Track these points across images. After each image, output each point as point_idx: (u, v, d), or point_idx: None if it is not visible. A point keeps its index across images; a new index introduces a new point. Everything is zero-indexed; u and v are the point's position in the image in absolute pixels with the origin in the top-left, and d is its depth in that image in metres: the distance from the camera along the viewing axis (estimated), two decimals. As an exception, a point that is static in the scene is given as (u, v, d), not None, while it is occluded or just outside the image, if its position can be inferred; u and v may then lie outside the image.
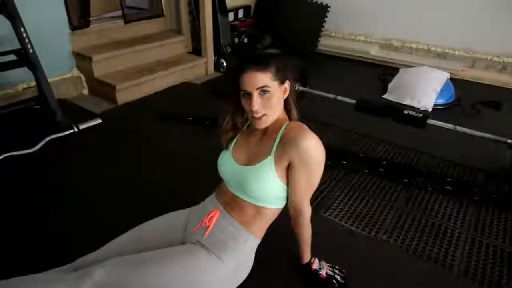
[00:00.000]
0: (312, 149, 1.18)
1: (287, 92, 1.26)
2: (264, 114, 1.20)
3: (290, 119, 1.30)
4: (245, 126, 1.37)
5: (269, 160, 1.21)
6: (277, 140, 1.22)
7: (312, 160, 1.19)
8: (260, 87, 1.16)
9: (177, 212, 1.43)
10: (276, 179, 1.22)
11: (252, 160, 1.26)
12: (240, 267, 1.29)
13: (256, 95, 1.17)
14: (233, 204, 1.30)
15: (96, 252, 1.30)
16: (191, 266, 1.20)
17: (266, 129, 1.28)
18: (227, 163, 1.32)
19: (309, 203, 1.28)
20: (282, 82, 1.22)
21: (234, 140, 1.36)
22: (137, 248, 1.27)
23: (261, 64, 1.17)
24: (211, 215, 1.31)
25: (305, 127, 1.22)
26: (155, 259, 1.20)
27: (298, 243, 1.36)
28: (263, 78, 1.16)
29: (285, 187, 1.25)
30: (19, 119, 2.61)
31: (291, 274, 1.44)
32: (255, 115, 1.20)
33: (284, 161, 1.20)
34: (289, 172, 1.22)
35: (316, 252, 1.42)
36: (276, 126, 1.26)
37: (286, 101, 1.29)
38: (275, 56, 1.24)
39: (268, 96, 1.18)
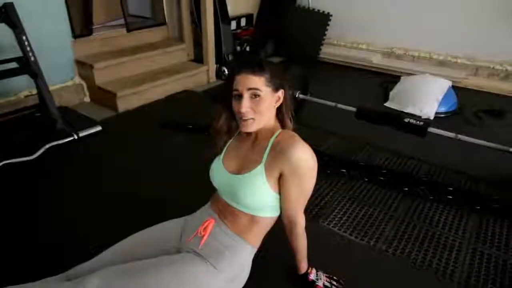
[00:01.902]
0: (304, 161, 1.16)
1: (280, 101, 1.26)
2: (251, 118, 1.19)
3: (283, 128, 1.29)
4: (236, 134, 1.36)
5: (260, 169, 1.20)
6: (268, 148, 1.21)
7: (303, 171, 1.17)
8: (251, 88, 1.16)
9: (173, 221, 1.42)
10: (267, 188, 1.20)
11: (242, 168, 1.25)
12: (236, 276, 1.28)
13: (246, 96, 1.17)
14: (227, 213, 1.29)
15: (91, 261, 1.28)
16: (187, 275, 1.18)
17: (256, 136, 1.28)
18: (218, 172, 1.31)
19: (303, 213, 1.26)
20: (275, 90, 1.22)
21: (225, 148, 1.35)
22: (132, 257, 1.25)
23: (256, 67, 1.18)
24: (205, 224, 1.29)
25: (297, 137, 1.21)
26: (150, 268, 1.18)
27: (293, 253, 1.34)
28: (256, 81, 1.17)
29: (277, 196, 1.23)
30: (20, 126, 2.63)
31: (288, 284, 1.42)
32: (243, 117, 1.19)
33: (275, 171, 1.19)
34: (280, 183, 1.20)
35: (313, 261, 1.40)
36: (267, 133, 1.25)
37: (279, 110, 1.28)
38: (273, 64, 1.26)
39: (258, 100, 1.18)
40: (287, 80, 1.28)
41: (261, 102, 1.18)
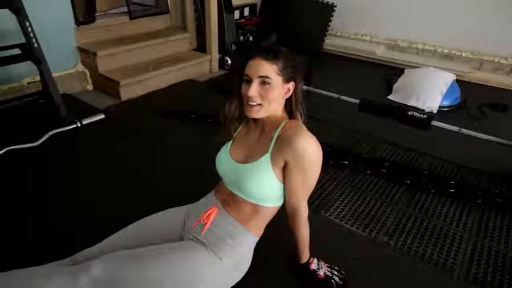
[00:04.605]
0: (308, 151, 1.16)
1: (290, 93, 1.24)
2: (258, 104, 1.19)
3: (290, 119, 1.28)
4: (243, 124, 1.36)
5: (266, 159, 1.20)
6: (274, 138, 1.21)
7: (308, 161, 1.17)
8: (261, 76, 1.16)
9: (176, 209, 1.43)
10: (273, 178, 1.21)
11: (249, 158, 1.25)
12: (238, 264, 1.29)
13: (256, 82, 1.17)
14: (230, 202, 1.30)
15: (94, 247, 1.30)
16: (189, 263, 1.19)
17: (264, 127, 1.28)
18: (225, 161, 1.32)
19: (306, 203, 1.27)
20: (286, 81, 1.20)
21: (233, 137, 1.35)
22: (135, 244, 1.27)
23: (270, 55, 1.17)
24: (209, 212, 1.31)
25: (303, 127, 1.20)
26: (153, 255, 1.19)
27: (296, 242, 1.35)
28: (268, 69, 1.16)
29: (282, 186, 1.24)
30: (23, 113, 2.62)
31: (290, 273, 1.43)
32: (250, 102, 1.19)
33: (280, 161, 1.19)
34: (285, 173, 1.21)
35: (315, 252, 1.41)
36: (274, 123, 1.25)
37: (288, 102, 1.27)
38: (288, 54, 1.22)
39: (268, 88, 1.17)
40: (300, 73, 1.25)
41: (270, 90, 1.17)
